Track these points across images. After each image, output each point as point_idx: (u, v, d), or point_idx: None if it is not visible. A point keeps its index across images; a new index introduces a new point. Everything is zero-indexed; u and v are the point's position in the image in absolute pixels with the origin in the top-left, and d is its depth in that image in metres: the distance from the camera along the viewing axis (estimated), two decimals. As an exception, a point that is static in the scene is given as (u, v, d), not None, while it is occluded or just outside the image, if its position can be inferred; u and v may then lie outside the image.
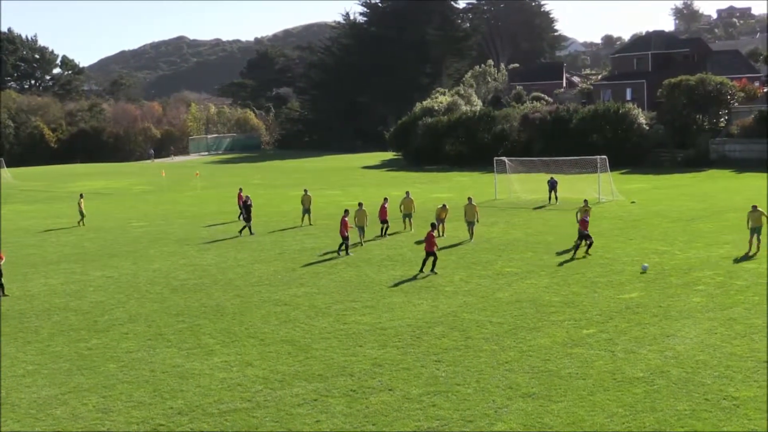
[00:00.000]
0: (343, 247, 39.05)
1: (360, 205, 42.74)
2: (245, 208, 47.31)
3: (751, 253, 35.06)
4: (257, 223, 49.67)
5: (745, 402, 19.05)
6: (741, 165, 74.62)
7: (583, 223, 36.84)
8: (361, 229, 41.41)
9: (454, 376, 21.78)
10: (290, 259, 39.26)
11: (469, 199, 42.84)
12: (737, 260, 34.13)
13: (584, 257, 36.20)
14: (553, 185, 56.02)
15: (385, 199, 45.70)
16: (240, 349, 25.05)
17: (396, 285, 32.76)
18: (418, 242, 40.59)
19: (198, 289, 33.41)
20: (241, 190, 54.18)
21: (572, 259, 35.93)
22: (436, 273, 34.02)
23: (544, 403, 19.59)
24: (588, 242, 36.74)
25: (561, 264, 35.18)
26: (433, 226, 36.04)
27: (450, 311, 28.37)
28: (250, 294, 32.20)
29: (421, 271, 34.21)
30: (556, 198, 55.55)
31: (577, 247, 36.77)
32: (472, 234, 41.90)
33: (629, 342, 23.92)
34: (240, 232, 46.44)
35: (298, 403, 20.35)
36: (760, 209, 36.09)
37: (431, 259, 34.26)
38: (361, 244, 41.21)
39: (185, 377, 22.58)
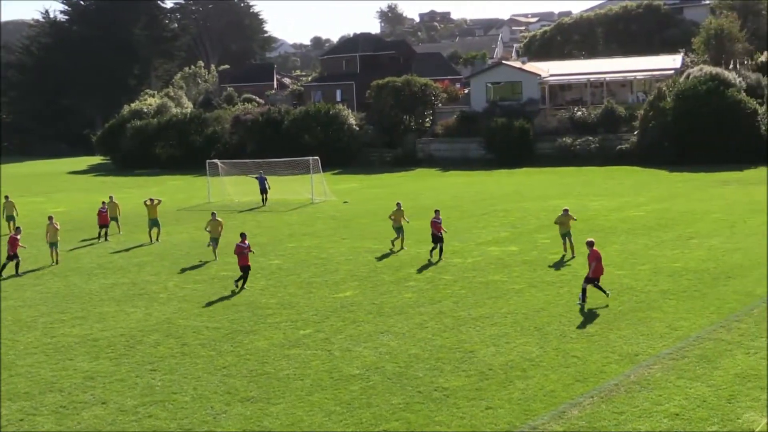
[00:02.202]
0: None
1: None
2: None
3: (566, 259, 33.91)
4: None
5: (455, 391, 19.84)
6: (446, 164, 78.08)
7: (435, 225, 35.53)
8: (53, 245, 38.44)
9: (171, 384, 21.25)
10: (-10, 271, 36.87)
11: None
12: (446, 256, 35.49)
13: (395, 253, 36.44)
14: (262, 183, 55.85)
15: (104, 203, 44.43)
16: (-65, 370, 23.21)
17: (107, 294, 31.59)
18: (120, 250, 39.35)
19: None
20: None
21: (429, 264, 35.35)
22: None
23: (263, 406, 19.50)
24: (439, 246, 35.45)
25: (278, 266, 35.29)
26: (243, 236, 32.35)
27: (165, 318, 27.69)
28: (-54, 310, 29.95)
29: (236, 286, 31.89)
30: (266, 199, 55.51)
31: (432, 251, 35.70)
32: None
33: (345, 340, 24.31)
34: None
35: (2, 425, 19.12)
36: (570, 213, 35.09)
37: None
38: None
39: None
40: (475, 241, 36.79)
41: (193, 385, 21.12)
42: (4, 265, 35.70)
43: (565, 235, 34.59)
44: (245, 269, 31.51)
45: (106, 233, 43.66)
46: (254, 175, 57.51)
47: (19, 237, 36.57)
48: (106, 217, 43.60)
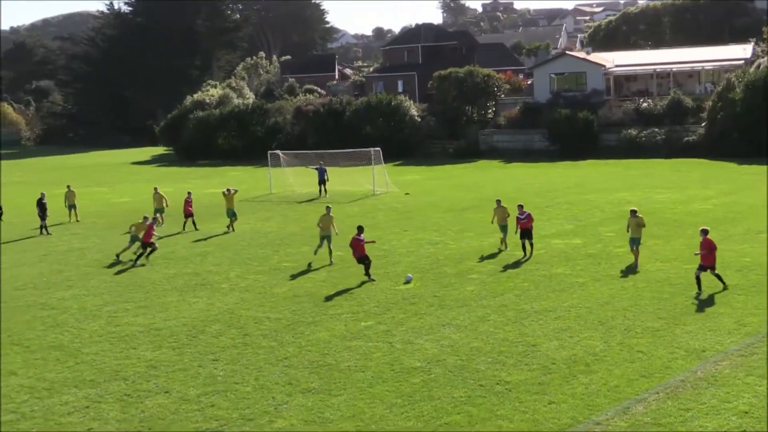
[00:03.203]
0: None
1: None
2: (40, 206, 44.96)
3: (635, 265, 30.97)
4: (16, 224, 47.31)
5: (517, 385, 19.61)
6: (508, 155, 77.56)
7: (521, 221, 33.90)
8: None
9: (233, 374, 21.32)
10: (56, 260, 37.45)
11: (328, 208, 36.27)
12: (509, 249, 35.16)
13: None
14: (321, 174, 55.90)
15: (189, 193, 44.92)
16: (2, 357, 23.56)
17: (170, 283, 31.85)
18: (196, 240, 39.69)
19: (-45, 295, 31.26)
20: None
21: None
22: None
23: (324, 398, 19.47)
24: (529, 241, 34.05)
25: (339, 258, 35.26)
26: (359, 229, 31.53)
27: (227, 308, 27.82)
28: (14, 298, 30.43)
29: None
30: (326, 191, 55.52)
31: None
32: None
33: (407, 332, 24.19)
34: (41, 232, 44.48)
35: (68, 412, 19.36)
36: (639, 215, 31.75)
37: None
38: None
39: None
40: (538, 234, 36.34)
41: (255, 375, 21.17)
42: (141, 254, 35.99)
43: (635, 241, 31.35)
44: (362, 260, 30.86)
45: (193, 222, 43.60)
46: (314, 167, 57.60)
47: (153, 224, 37.15)
48: (190, 208, 43.75)
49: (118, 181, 74.41)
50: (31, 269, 35.63)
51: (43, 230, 44.48)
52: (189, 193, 45.01)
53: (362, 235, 31.22)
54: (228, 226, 42.93)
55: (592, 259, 32.56)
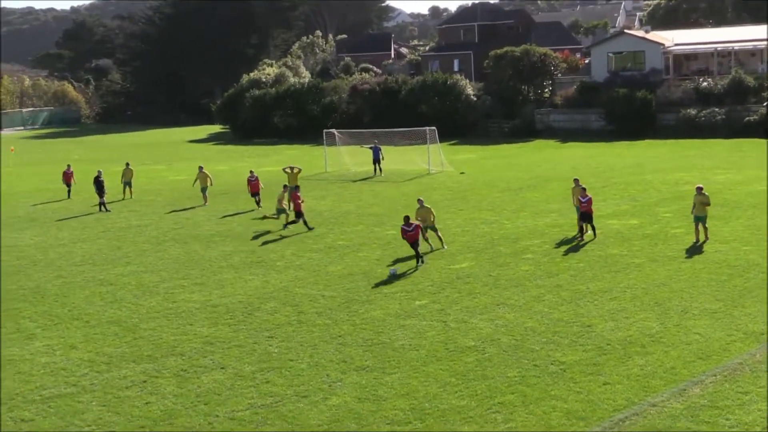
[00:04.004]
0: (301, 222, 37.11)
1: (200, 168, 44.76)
2: (97, 184, 45.59)
3: (699, 243, 30.89)
4: (77, 200, 48.05)
5: (572, 366, 19.53)
6: (565, 135, 76.85)
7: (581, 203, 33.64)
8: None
9: (287, 351, 21.50)
10: (114, 236, 38.00)
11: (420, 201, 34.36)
12: (564, 229, 34.97)
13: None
14: (376, 153, 55.95)
15: (252, 172, 44.94)
16: (63, 332, 24.03)
17: (226, 261, 32.14)
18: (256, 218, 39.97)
19: (15, 271, 31.86)
20: (69, 166, 51.85)
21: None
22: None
23: (378, 376, 19.55)
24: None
25: (394, 236, 35.29)
26: (406, 219, 30.08)
27: (282, 286, 28.02)
28: (73, 274, 30.96)
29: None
30: (381, 170, 55.56)
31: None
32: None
33: (461, 312, 24.18)
34: (100, 209, 45.12)
35: (126, 386, 19.68)
36: (705, 192, 31.40)
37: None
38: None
39: (3, 364, 21.45)
40: (594, 214, 36.04)
41: (309, 352, 21.32)
42: (293, 222, 36.82)
43: (700, 219, 31.11)
44: (414, 245, 29.88)
45: (258, 201, 43.27)
46: (369, 146, 57.61)
47: (297, 192, 37.70)
48: (256, 186, 43.64)
49: (175, 159, 75.10)
50: (90, 245, 36.19)
51: (102, 207, 45.09)
52: (251, 171, 44.97)
53: (411, 222, 29.80)
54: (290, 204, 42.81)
55: (649, 239, 32.20)
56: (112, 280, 29.78)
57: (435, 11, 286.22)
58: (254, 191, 43.37)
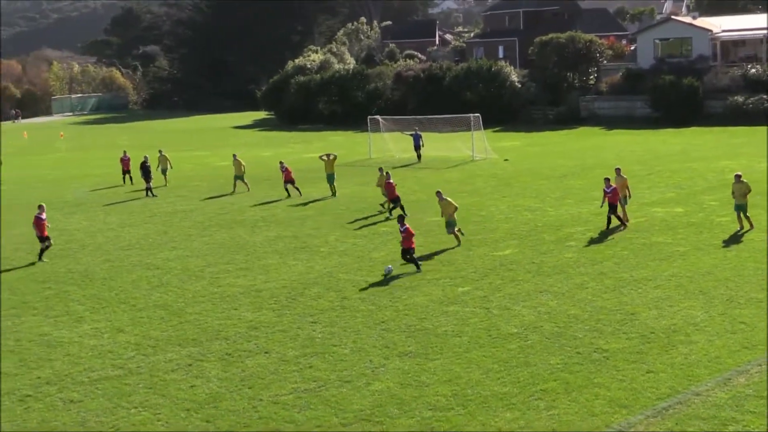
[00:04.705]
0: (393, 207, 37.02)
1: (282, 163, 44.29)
2: (143, 169, 46.06)
3: (741, 231, 30.57)
4: (125, 186, 48.72)
5: (615, 354, 19.48)
6: (610, 122, 76.27)
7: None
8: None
9: (331, 336, 21.66)
10: (161, 221, 38.43)
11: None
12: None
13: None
14: (416, 140, 55.92)
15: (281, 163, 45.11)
16: (110, 315, 24.41)
17: (270, 246, 32.38)
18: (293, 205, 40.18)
19: (65, 254, 32.36)
20: (125, 152, 52.32)
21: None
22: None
23: (421, 362, 19.64)
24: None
25: (436, 223, 35.31)
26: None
27: (326, 272, 28.19)
28: (120, 258, 31.39)
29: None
30: (420, 156, 55.57)
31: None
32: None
33: (503, 298, 24.19)
34: (147, 194, 45.66)
35: (172, 369, 19.95)
36: (744, 180, 30.82)
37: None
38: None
39: (53, 346, 21.87)
40: (638, 202, 35.80)
41: (353, 338, 21.46)
42: (393, 208, 36.83)
43: (740, 208, 30.70)
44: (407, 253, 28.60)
45: (296, 188, 43.40)
46: (409, 132, 57.65)
47: (388, 178, 37.55)
48: (289, 174, 43.61)
49: (220, 145, 75.60)
50: (137, 230, 36.64)
51: (149, 192, 45.57)
52: (281, 162, 45.10)
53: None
54: (332, 190, 43.03)
55: (694, 227, 31.94)
56: (158, 265, 30.15)
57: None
58: (287, 179, 43.63)
